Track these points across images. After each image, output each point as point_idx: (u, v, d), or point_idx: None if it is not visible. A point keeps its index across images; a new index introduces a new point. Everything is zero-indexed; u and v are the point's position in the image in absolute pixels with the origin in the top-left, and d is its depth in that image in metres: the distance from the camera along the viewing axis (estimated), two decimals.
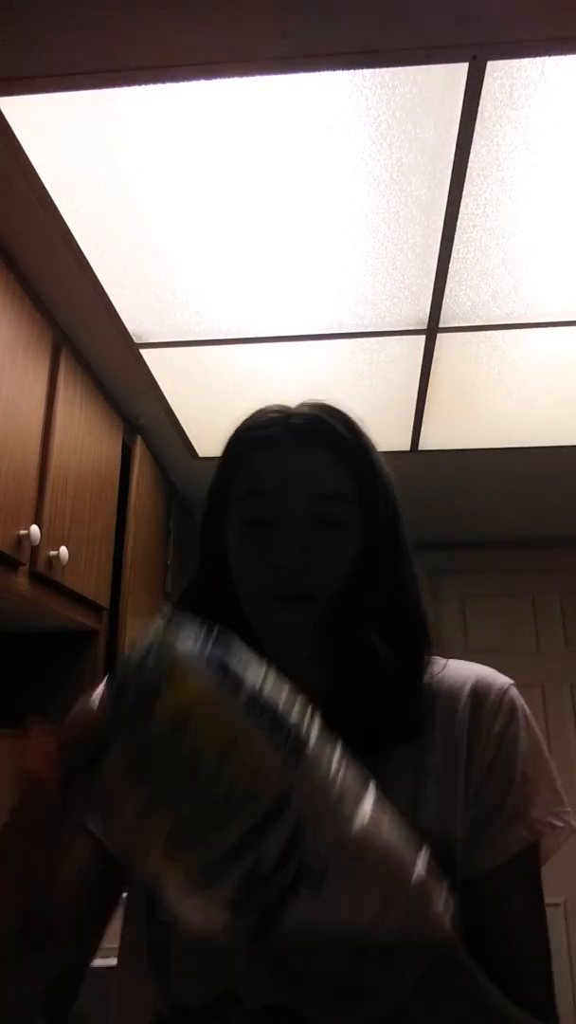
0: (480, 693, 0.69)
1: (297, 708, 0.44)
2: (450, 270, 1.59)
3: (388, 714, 0.66)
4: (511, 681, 0.71)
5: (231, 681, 0.42)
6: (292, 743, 0.41)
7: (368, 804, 0.42)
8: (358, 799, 0.42)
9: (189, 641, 0.44)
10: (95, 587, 1.89)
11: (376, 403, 2.11)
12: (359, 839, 0.41)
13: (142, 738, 0.41)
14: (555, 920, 2.87)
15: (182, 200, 1.40)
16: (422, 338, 1.83)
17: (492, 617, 3.39)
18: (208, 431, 2.34)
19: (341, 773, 0.42)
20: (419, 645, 0.71)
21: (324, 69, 1.14)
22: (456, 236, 1.49)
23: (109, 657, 2.03)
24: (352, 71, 1.14)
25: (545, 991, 0.61)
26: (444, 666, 0.73)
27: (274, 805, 0.39)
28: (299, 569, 0.65)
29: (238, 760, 0.40)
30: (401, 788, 0.64)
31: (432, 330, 1.80)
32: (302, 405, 0.74)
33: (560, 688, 3.31)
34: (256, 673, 0.44)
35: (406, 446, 2.37)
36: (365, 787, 0.44)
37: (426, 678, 0.70)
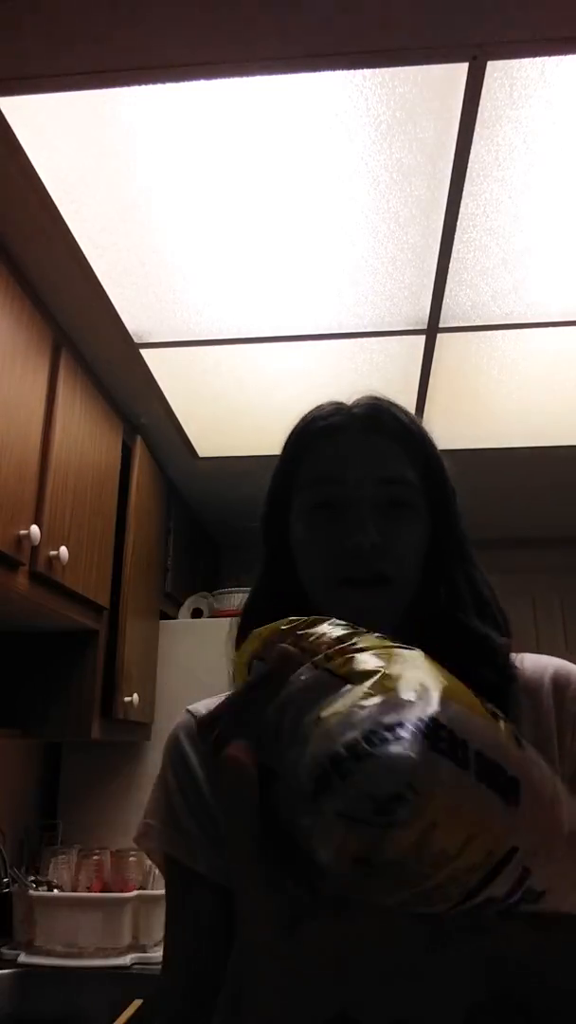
0: (561, 684, 0.68)
1: (503, 732, 0.40)
2: (450, 270, 1.59)
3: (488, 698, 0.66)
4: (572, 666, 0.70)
5: (458, 758, 0.37)
6: (504, 783, 0.38)
7: (565, 804, 0.41)
8: (559, 804, 0.40)
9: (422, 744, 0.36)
10: (95, 587, 1.89)
11: None
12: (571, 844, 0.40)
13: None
14: None
15: (182, 200, 1.40)
16: (422, 338, 1.83)
17: None
18: (208, 431, 2.34)
19: (550, 790, 0.40)
20: (500, 630, 0.71)
21: (324, 69, 1.14)
22: (456, 236, 1.49)
23: (109, 657, 2.03)
24: (352, 71, 1.14)
25: None
26: (521, 658, 0.72)
27: (504, 854, 0.37)
28: (371, 552, 0.65)
29: (473, 830, 0.36)
30: None
31: (432, 330, 1.80)
32: (361, 398, 0.76)
33: None
34: (473, 726, 0.39)
35: None
36: (557, 787, 0.41)
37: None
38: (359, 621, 0.52)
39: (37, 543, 1.51)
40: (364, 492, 0.68)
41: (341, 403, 0.76)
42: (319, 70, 1.14)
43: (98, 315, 1.73)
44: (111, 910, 1.82)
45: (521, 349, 1.88)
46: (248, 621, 0.75)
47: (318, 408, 0.76)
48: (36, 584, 1.59)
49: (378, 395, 0.76)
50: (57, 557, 1.61)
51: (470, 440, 2.39)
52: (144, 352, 1.89)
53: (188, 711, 0.78)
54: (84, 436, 1.85)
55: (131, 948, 1.80)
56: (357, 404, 0.75)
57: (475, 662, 0.64)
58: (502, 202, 1.41)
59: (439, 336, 1.83)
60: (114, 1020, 1.52)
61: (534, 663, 0.71)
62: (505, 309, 1.72)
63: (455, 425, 2.29)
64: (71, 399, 1.77)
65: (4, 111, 1.21)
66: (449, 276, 1.61)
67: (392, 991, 0.50)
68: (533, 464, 2.56)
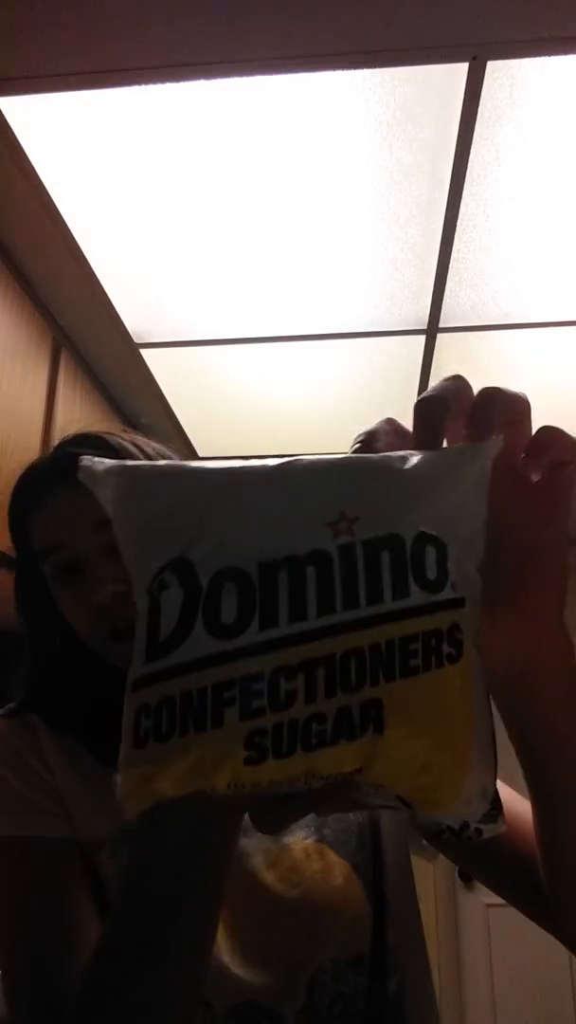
0: None
1: None
2: (450, 270, 1.59)
3: None
4: None
5: None
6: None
7: None
8: None
9: None
10: None
11: (376, 403, 2.11)
12: None
13: None
14: None
15: (182, 200, 1.40)
16: (422, 338, 1.83)
17: None
18: (208, 431, 2.34)
19: None
20: None
21: (324, 69, 1.14)
22: (456, 236, 1.49)
23: None
24: (352, 71, 1.14)
25: None
26: None
27: None
28: (119, 601, 0.63)
29: None
30: None
31: (432, 330, 1.80)
32: (56, 447, 0.74)
33: None
34: None
35: None
36: None
37: None
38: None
39: None
40: (87, 545, 0.65)
41: (36, 463, 0.73)
42: (319, 70, 1.14)
43: (98, 315, 1.73)
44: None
45: (521, 349, 1.88)
46: (40, 693, 0.73)
47: (23, 474, 0.74)
48: None
49: (76, 433, 0.73)
50: None
51: None
52: (144, 352, 1.89)
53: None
54: None
55: None
56: (48, 458, 0.72)
57: None
58: (502, 202, 1.41)
59: (439, 336, 1.83)
60: None
61: None
62: (505, 309, 1.72)
63: None
64: (71, 399, 1.77)
65: (4, 111, 1.21)
66: (449, 276, 1.61)
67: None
68: None
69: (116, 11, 1.06)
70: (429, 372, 1.98)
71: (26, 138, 1.26)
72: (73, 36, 1.10)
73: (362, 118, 1.23)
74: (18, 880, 0.59)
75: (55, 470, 0.70)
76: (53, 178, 1.35)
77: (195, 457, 2.49)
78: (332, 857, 0.64)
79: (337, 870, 0.63)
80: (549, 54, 1.12)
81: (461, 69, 1.14)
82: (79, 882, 0.60)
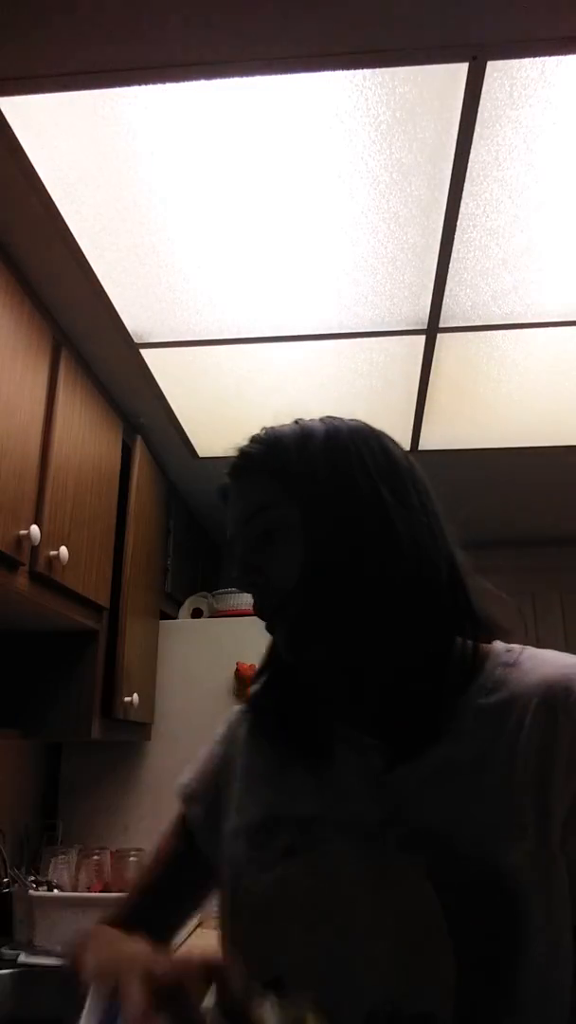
0: (558, 700, 0.62)
1: None
2: (450, 270, 1.59)
3: (416, 715, 0.65)
4: None
5: None
6: None
7: None
8: None
9: None
10: (95, 587, 1.89)
11: (376, 403, 2.11)
12: None
13: None
14: None
15: (182, 200, 1.40)
16: (422, 338, 1.83)
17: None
18: (208, 431, 2.34)
19: None
20: (429, 637, 0.66)
21: (324, 69, 1.14)
22: (456, 236, 1.49)
23: (109, 657, 2.03)
24: (352, 71, 1.14)
25: None
26: (517, 657, 0.67)
27: None
28: (258, 591, 0.70)
29: None
30: (456, 797, 0.62)
31: (432, 330, 1.80)
32: (246, 438, 0.77)
33: None
34: None
35: (406, 446, 2.35)
36: None
37: (486, 672, 0.66)
38: (280, 650, 0.71)
39: (37, 543, 1.51)
40: (239, 534, 0.72)
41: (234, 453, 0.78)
42: (319, 70, 1.14)
43: (98, 315, 1.73)
44: (110, 910, 1.82)
45: (521, 349, 1.88)
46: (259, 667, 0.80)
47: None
48: (36, 584, 1.59)
49: (257, 436, 0.76)
50: (57, 557, 1.61)
51: (470, 440, 2.39)
52: (144, 352, 1.89)
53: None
54: (84, 436, 1.85)
55: None
56: (238, 451, 0.76)
57: (372, 677, 0.68)
58: (502, 202, 1.41)
59: (439, 336, 1.83)
60: None
61: (532, 668, 0.66)
62: (505, 309, 1.72)
63: (455, 425, 2.29)
64: (71, 399, 1.77)
65: (4, 111, 1.21)
66: (449, 276, 1.61)
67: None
68: (533, 464, 2.56)
69: (116, 11, 1.06)
70: (429, 372, 1.98)
71: (26, 138, 1.26)
72: (73, 36, 1.10)
73: (362, 118, 1.23)
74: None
75: (233, 464, 0.75)
76: (53, 178, 1.35)
77: (195, 457, 2.50)
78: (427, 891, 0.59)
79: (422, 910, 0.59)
80: (549, 54, 1.12)
81: (461, 69, 1.14)
82: (173, 854, 0.83)
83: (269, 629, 0.71)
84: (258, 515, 0.70)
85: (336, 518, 0.67)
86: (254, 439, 0.74)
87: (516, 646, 0.69)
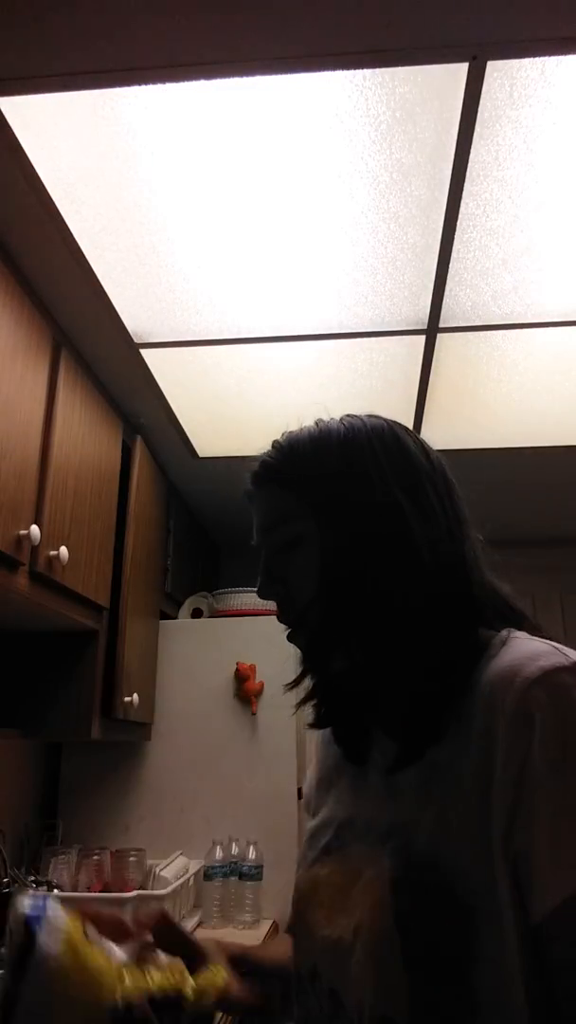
0: (497, 695, 0.59)
1: None
2: (450, 270, 1.59)
3: (415, 721, 0.65)
4: (553, 665, 0.58)
5: None
6: None
7: None
8: None
9: None
10: (95, 587, 1.89)
11: (376, 403, 2.11)
12: None
13: None
14: None
15: (182, 200, 1.40)
16: (422, 338, 1.83)
17: None
18: (208, 431, 2.34)
19: None
20: (449, 639, 0.65)
21: (324, 69, 1.14)
22: (456, 236, 1.49)
23: (109, 657, 2.03)
24: (352, 71, 1.14)
25: None
26: (496, 648, 0.64)
27: None
28: (280, 601, 0.72)
29: None
30: (421, 798, 0.62)
31: (432, 330, 1.80)
32: (268, 446, 0.78)
33: None
34: None
35: None
36: None
37: (479, 667, 0.64)
38: (302, 657, 0.73)
39: (37, 543, 1.51)
40: (263, 544, 0.74)
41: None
42: (319, 70, 1.14)
43: (98, 315, 1.73)
44: (111, 910, 1.82)
45: (521, 349, 1.88)
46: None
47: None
48: (36, 584, 1.59)
49: (281, 440, 0.76)
50: (57, 557, 1.61)
51: (470, 440, 2.39)
52: (144, 352, 1.89)
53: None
54: (84, 436, 1.85)
55: None
56: (260, 458, 0.77)
57: (376, 683, 0.70)
58: (502, 202, 1.41)
59: (439, 336, 1.83)
60: None
61: (500, 659, 0.62)
62: (505, 309, 1.72)
63: (455, 425, 2.29)
64: (71, 399, 1.77)
65: (4, 111, 1.21)
66: (449, 276, 1.61)
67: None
68: (533, 464, 2.56)
69: (116, 11, 1.06)
70: (429, 372, 1.98)
71: (26, 138, 1.26)
72: (73, 36, 1.10)
73: (362, 118, 1.23)
74: None
75: (254, 473, 0.76)
76: (53, 178, 1.35)
77: (195, 457, 2.50)
78: (386, 897, 0.60)
79: (383, 913, 0.60)
80: (549, 54, 1.12)
81: (461, 69, 1.14)
82: None
83: (290, 637, 0.73)
84: (277, 527, 0.72)
85: (352, 530, 0.67)
86: (274, 446, 0.75)
87: (508, 634, 0.66)
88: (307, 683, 0.73)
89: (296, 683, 0.73)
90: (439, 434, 2.33)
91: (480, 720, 0.59)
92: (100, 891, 1.93)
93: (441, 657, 0.64)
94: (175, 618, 2.68)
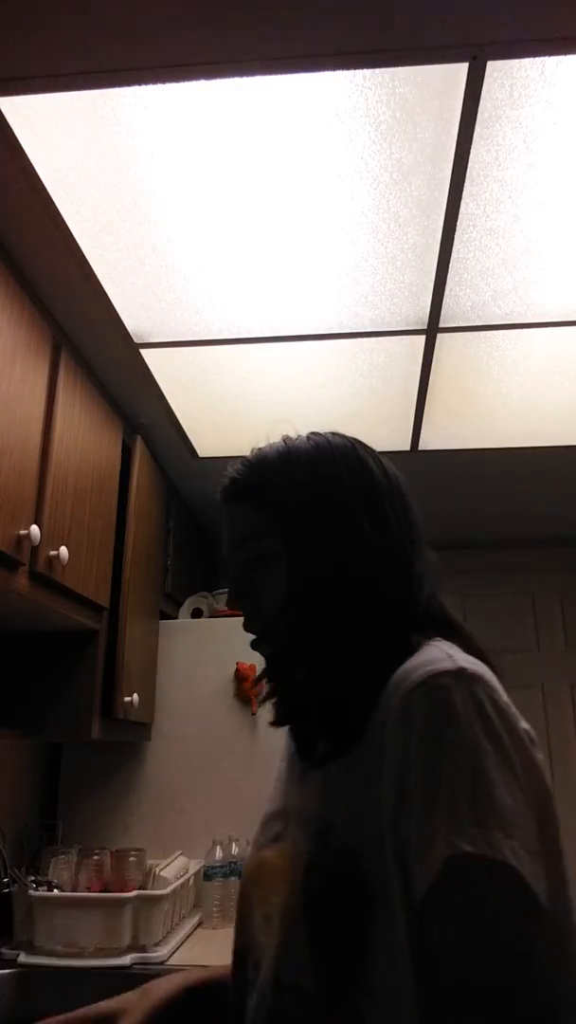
0: (392, 697, 0.65)
1: None
2: (450, 270, 1.59)
3: (332, 726, 0.72)
4: (437, 670, 0.62)
5: None
6: None
7: None
8: None
9: None
10: (95, 587, 1.89)
11: (376, 403, 2.11)
12: None
13: None
14: None
15: (182, 200, 1.40)
16: (422, 338, 1.83)
17: (492, 617, 3.39)
18: (208, 431, 2.34)
19: None
20: (370, 649, 0.71)
21: (324, 69, 1.14)
22: (456, 236, 1.49)
23: (109, 657, 2.03)
24: (352, 71, 1.14)
25: None
26: (413, 655, 0.68)
27: None
28: (246, 614, 0.76)
29: None
30: (336, 792, 0.70)
31: (432, 330, 1.80)
32: (243, 458, 0.81)
33: (560, 688, 3.31)
34: None
35: (406, 446, 2.37)
36: None
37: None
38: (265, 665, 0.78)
39: (37, 543, 1.51)
40: (232, 559, 0.78)
41: (227, 471, 0.82)
42: (319, 70, 1.14)
43: (98, 315, 1.73)
44: (111, 910, 1.82)
45: (521, 349, 1.88)
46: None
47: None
48: (36, 584, 1.59)
49: (250, 455, 0.81)
50: (57, 557, 1.61)
51: (470, 440, 2.39)
52: (144, 352, 1.89)
53: None
54: (84, 436, 1.85)
55: (131, 948, 1.79)
56: (228, 471, 0.81)
57: (318, 695, 0.74)
58: (502, 202, 1.41)
59: (439, 336, 1.83)
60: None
61: (404, 667, 0.66)
62: (505, 309, 1.72)
63: (455, 425, 2.29)
64: (71, 399, 1.77)
65: (4, 111, 1.21)
66: (449, 276, 1.61)
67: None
68: (533, 464, 2.56)
69: (116, 11, 1.06)
70: (429, 372, 1.98)
71: (26, 138, 1.26)
72: (73, 36, 1.10)
73: (362, 118, 1.23)
74: None
75: (224, 488, 0.80)
76: (53, 178, 1.35)
77: (195, 457, 2.50)
78: (297, 875, 0.68)
79: (295, 889, 0.68)
80: (549, 54, 1.12)
81: (461, 69, 1.14)
82: None
83: (255, 645, 0.78)
84: (247, 543, 0.76)
85: (318, 550, 0.73)
86: (243, 462, 0.80)
87: (426, 642, 0.70)
88: (267, 684, 0.79)
89: (257, 682, 0.80)
90: (439, 434, 2.33)
91: (378, 720, 0.66)
92: (100, 891, 1.93)
93: (380, 665, 0.69)
94: (175, 618, 2.68)
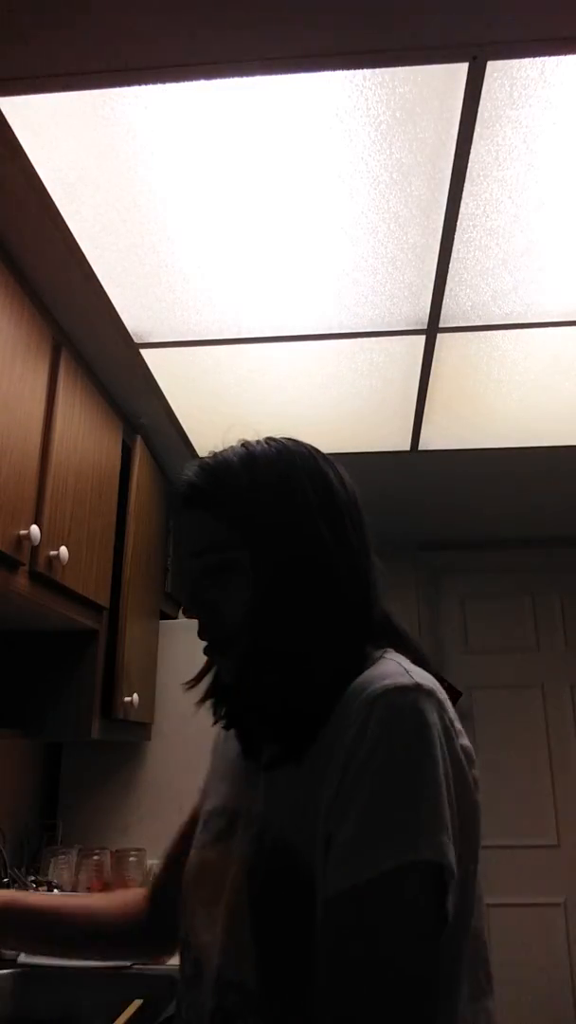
0: (347, 704, 0.67)
1: None
2: (450, 270, 1.59)
3: (281, 732, 0.73)
4: (394, 685, 0.66)
5: None
6: None
7: None
8: None
9: None
10: (95, 587, 1.89)
11: (376, 403, 2.11)
12: None
13: None
14: (555, 920, 2.87)
15: (182, 200, 1.40)
16: (422, 338, 1.83)
17: (492, 617, 3.40)
18: (208, 431, 2.34)
19: None
20: (331, 659, 0.72)
21: (324, 69, 1.14)
22: (456, 236, 1.49)
23: (109, 657, 2.03)
24: (352, 71, 1.14)
25: None
26: (368, 666, 0.71)
27: None
28: (204, 622, 0.75)
29: None
30: (281, 794, 0.71)
31: (432, 330, 1.80)
32: (203, 460, 0.80)
33: (560, 688, 3.31)
34: None
35: (406, 446, 2.37)
36: None
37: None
38: (218, 671, 0.79)
39: (37, 543, 1.51)
40: (189, 567, 0.76)
41: (185, 472, 0.80)
42: (319, 70, 1.14)
43: (98, 315, 1.73)
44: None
45: (521, 349, 1.88)
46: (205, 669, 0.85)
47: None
48: (36, 584, 1.59)
49: (210, 457, 0.79)
50: (57, 557, 1.61)
51: (470, 440, 2.39)
52: (144, 352, 1.89)
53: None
54: (84, 436, 1.85)
55: None
56: (187, 473, 0.79)
57: (275, 703, 0.73)
58: (502, 202, 1.41)
59: (439, 336, 1.83)
60: (114, 1020, 1.52)
61: (361, 679, 0.69)
62: (505, 309, 1.72)
63: (455, 425, 2.29)
64: (71, 399, 1.77)
65: (4, 111, 1.21)
66: (449, 276, 1.61)
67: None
68: (533, 464, 2.56)
69: (116, 11, 1.06)
70: (429, 372, 1.98)
71: (26, 138, 1.26)
72: (73, 36, 1.10)
73: (362, 118, 1.23)
74: None
75: (183, 492, 0.78)
76: (53, 178, 1.35)
77: (195, 457, 2.49)
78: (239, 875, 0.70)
79: (238, 888, 0.70)
80: (549, 54, 1.12)
81: (461, 69, 1.14)
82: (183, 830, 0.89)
83: (209, 652, 0.78)
84: (207, 552, 0.75)
85: (283, 561, 0.73)
86: (203, 467, 0.78)
87: (382, 654, 0.74)
88: (211, 686, 0.81)
89: (193, 685, 0.81)
90: (439, 434, 2.33)
91: (334, 727, 0.67)
92: (100, 891, 1.93)
93: (339, 674, 0.71)
94: (175, 618, 2.68)
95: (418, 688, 0.65)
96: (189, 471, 0.78)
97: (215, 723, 0.82)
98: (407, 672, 0.67)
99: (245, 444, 0.79)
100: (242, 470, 0.76)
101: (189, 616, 0.78)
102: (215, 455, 0.79)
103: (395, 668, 0.68)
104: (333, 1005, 0.58)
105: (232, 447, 0.79)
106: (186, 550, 0.77)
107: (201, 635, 0.76)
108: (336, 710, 0.68)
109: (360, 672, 0.70)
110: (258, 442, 0.79)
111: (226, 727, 0.81)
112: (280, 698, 0.73)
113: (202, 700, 0.81)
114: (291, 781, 0.70)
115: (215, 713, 0.81)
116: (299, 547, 0.73)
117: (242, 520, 0.74)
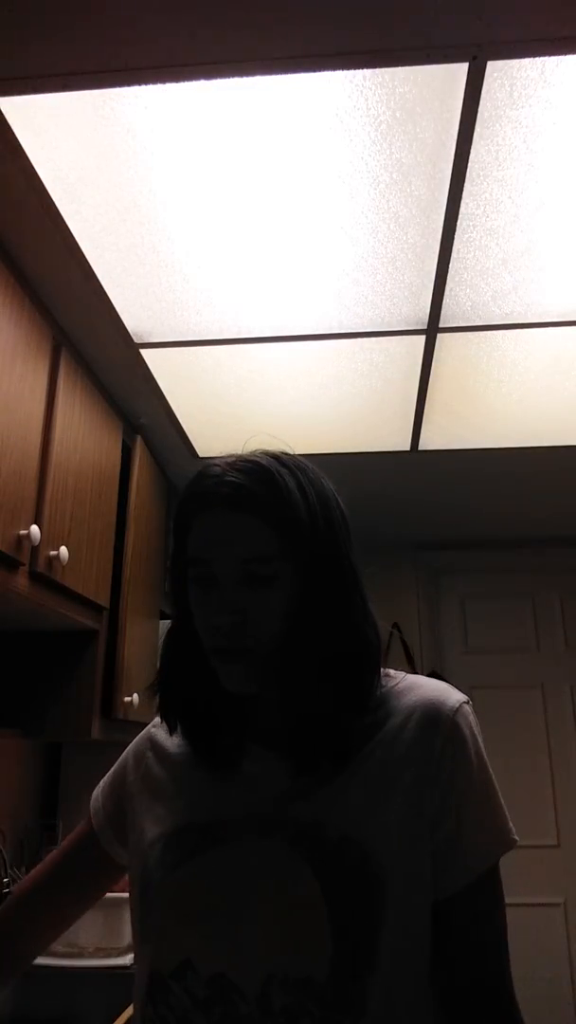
0: (429, 718, 0.76)
1: None
2: (450, 270, 1.59)
3: (327, 743, 0.75)
4: (462, 699, 0.78)
5: None
6: None
7: None
8: None
9: None
10: (95, 587, 1.89)
11: (376, 403, 2.11)
12: None
13: None
14: (555, 920, 2.87)
15: (182, 200, 1.40)
16: (422, 338, 1.83)
17: (492, 617, 3.39)
18: (208, 431, 2.34)
19: None
20: (363, 679, 0.77)
21: (324, 69, 1.14)
22: (456, 236, 1.49)
23: (109, 657, 2.03)
24: (352, 71, 1.14)
25: (506, 1004, 0.72)
26: (399, 682, 0.81)
27: None
28: (233, 629, 0.73)
29: None
30: (333, 797, 0.73)
31: (432, 330, 1.80)
32: (237, 462, 0.77)
33: (560, 688, 3.31)
34: None
35: (406, 446, 2.37)
36: None
37: (378, 694, 0.78)
38: (228, 681, 0.75)
39: (37, 543, 1.51)
40: (228, 571, 0.74)
41: (221, 468, 0.77)
42: (319, 70, 1.14)
43: (98, 315, 1.73)
44: (111, 910, 1.82)
45: (521, 349, 1.88)
46: (165, 675, 0.84)
47: (201, 475, 0.79)
48: (36, 584, 1.59)
49: (256, 459, 0.77)
50: (57, 557, 1.61)
51: (470, 440, 2.39)
52: (144, 352, 1.89)
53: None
54: (84, 436, 1.85)
55: (131, 948, 1.79)
56: (227, 481, 0.75)
57: (316, 713, 0.75)
58: (502, 202, 1.41)
59: (439, 336, 1.83)
60: (114, 1020, 1.52)
61: (410, 690, 0.79)
62: (505, 309, 1.72)
63: (455, 425, 2.29)
64: (71, 399, 1.77)
65: (4, 111, 1.21)
66: (449, 276, 1.61)
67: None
68: (533, 464, 2.56)
69: (116, 11, 1.06)
70: (429, 372, 1.98)
71: (26, 138, 1.26)
72: (73, 36, 1.10)
73: (362, 118, 1.23)
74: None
75: (230, 491, 0.74)
76: (53, 178, 1.35)
77: (195, 457, 2.50)
78: (304, 869, 0.71)
79: (303, 884, 0.71)
80: (549, 54, 1.12)
81: (461, 69, 1.14)
82: (73, 860, 0.92)
83: (226, 659, 0.75)
84: (254, 561, 0.74)
85: (324, 581, 0.75)
86: (244, 470, 0.75)
87: (394, 672, 0.82)
88: (169, 691, 0.82)
89: (161, 685, 0.82)
90: (439, 434, 2.33)
91: (410, 736, 0.75)
92: None
93: (362, 690, 0.77)
94: None
95: (469, 702, 0.79)
96: (231, 473, 0.74)
97: (172, 733, 0.83)
98: (451, 686, 0.80)
99: (276, 454, 0.79)
100: (293, 482, 0.75)
101: (221, 624, 0.75)
102: (254, 461, 0.76)
103: (445, 684, 0.80)
104: (485, 978, 0.72)
105: (263, 454, 0.78)
106: (228, 555, 0.74)
107: (223, 642, 0.74)
108: (386, 723, 0.76)
109: (380, 686, 0.79)
110: (283, 454, 0.80)
111: (190, 739, 0.82)
112: (335, 704, 0.75)
113: (184, 712, 0.82)
114: (343, 783, 0.74)
115: (180, 726, 0.82)
116: (338, 564, 0.77)
117: (294, 538, 0.74)
